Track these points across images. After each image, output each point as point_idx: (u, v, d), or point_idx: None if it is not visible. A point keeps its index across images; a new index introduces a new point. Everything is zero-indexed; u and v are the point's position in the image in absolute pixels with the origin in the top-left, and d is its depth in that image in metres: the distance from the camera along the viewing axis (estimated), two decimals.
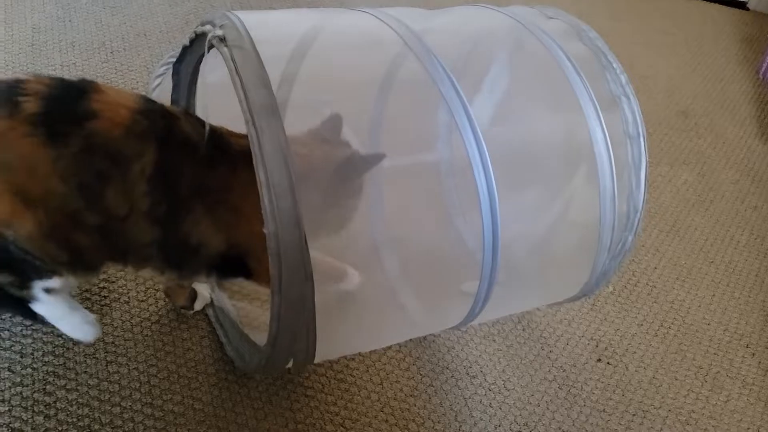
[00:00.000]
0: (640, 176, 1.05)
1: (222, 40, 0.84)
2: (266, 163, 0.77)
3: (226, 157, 0.95)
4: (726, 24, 2.79)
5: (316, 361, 0.96)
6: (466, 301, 1.02)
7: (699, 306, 1.49)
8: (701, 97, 2.25)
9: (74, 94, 0.89)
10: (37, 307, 1.02)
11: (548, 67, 1.08)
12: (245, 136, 0.80)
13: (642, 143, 1.05)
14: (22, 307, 1.01)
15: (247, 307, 1.23)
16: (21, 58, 1.70)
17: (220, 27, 0.86)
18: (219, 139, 0.96)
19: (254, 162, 0.78)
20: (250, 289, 1.27)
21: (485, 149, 0.91)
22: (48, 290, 0.98)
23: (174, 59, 1.12)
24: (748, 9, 2.96)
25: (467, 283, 1.03)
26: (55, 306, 1.03)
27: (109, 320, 1.18)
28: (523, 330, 1.35)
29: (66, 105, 0.87)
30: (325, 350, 0.94)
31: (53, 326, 1.07)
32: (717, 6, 2.92)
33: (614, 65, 1.08)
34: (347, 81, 1.07)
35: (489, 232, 0.92)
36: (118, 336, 1.16)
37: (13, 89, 0.87)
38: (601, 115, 1.03)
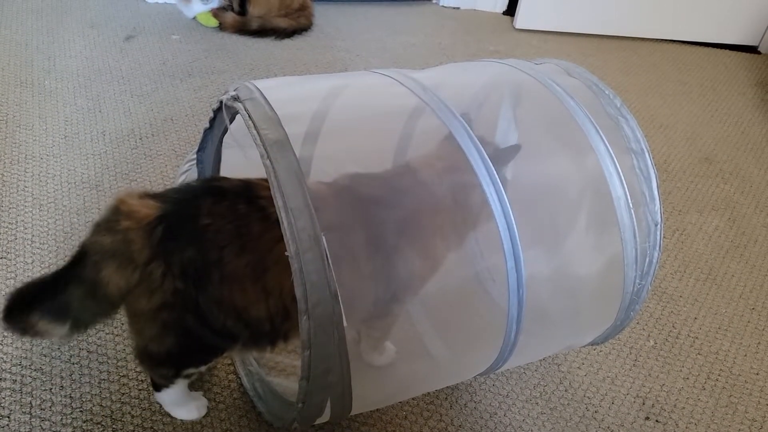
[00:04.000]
0: (652, 188, 1.05)
1: (236, 98, 0.93)
2: (283, 189, 0.82)
3: None
4: (739, 69, 2.81)
5: (352, 412, 0.95)
6: (493, 347, 1.02)
7: (745, 355, 1.44)
8: (723, 143, 2.25)
9: None
10: (166, 393, 1.12)
11: (553, 110, 1.11)
12: None
13: (647, 157, 1.06)
14: None
15: (284, 383, 1.23)
16: (55, 150, 1.77)
17: (234, 90, 0.95)
18: None
19: (272, 191, 0.83)
20: (286, 363, 1.27)
21: (506, 200, 0.93)
22: (188, 375, 1.07)
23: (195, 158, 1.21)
24: (759, 53, 2.98)
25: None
26: (181, 389, 1.12)
27: (147, 404, 1.18)
28: (566, 390, 1.31)
29: None
30: (359, 400, 0.95)
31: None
32: (728, 52, 2.95)
33: (606, 92, 1.11)
34: (367, 139, 1.13)
35: (513, 280, 0.93)
36: (157, 420, 1.16)
37: (251, 191, 0.95)
38: (609, 147, 1.04)
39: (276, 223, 0.90)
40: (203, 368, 1.09)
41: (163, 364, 1.03)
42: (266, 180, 0.96)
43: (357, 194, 1.03)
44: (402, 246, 1.04)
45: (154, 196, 0.94)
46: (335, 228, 0.83)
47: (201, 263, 0.90)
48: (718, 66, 2.82)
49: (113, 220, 0.92)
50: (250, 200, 0.94)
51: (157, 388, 1.12)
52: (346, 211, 1.00)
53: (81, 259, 0.94)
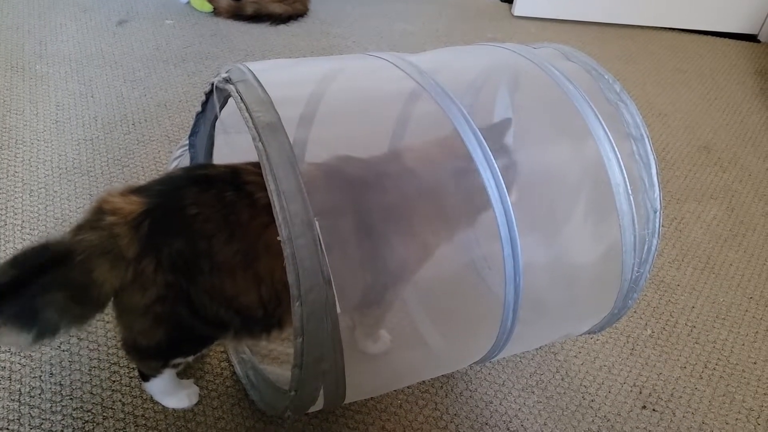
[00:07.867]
0: (652, 175, 1.03)
1: (228, 80, 0.92)
2: (275, 172, 0.80)
3: None
4: (738, 57, 2.79)
5: (346, 400, 0.94)
6: (489, 335, 1.01)
7: (743, 344, 1.43)
8: (722, 131, 2.23)
9: None
10: (154, 383, 1.10)
11: (552, 95, 1.09)
12: None
13: (647, 143, 1.04)
14: None
15: (277, 370, 1.21)
16: (46, 135, 1.74)
17: (226, 72, 0.93)
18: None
19: (264, 174, 0.81)
20: (279, 351, 1.26)
21: (503, 185, 0.91)
22: (176, 365, 1.05)
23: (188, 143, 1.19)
24: (759, 41, 2.96)
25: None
26: (169, 378, 1.10)
27: (138, 392, 1.16)
28: (562, 379, 1.30)
29: None
30: (353, 388, 0.93)
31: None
32: (727, 40, 2.93)
33: (606, 76, 1.09)
34: (363, 123, 1.11)
35: (510, 267, 0.92)
36: (148, 408, 1.14)
37: (237, 177, 0.92)
38: (609, 133, 1.02)
39: (264, 208, 0.88)
40: (191, 358, 1.07)
41: (152, 355, 1.01)
42: (253, 164, 0.94)
43: (347, 176, 1.01)
44: (390, 233, 1.02)
45: (138, 191, 0.91)
46: (326, 212, 0.81)
47: (190, 254, 0.88)
48: (717, 54, 2.80)
49: (96, 218, 0.89)
50: (238, 187, 0.91)
51: (145, 378, 1.10)
52: (336, 193, 0.98)
53: (64, 260, 0.89)
